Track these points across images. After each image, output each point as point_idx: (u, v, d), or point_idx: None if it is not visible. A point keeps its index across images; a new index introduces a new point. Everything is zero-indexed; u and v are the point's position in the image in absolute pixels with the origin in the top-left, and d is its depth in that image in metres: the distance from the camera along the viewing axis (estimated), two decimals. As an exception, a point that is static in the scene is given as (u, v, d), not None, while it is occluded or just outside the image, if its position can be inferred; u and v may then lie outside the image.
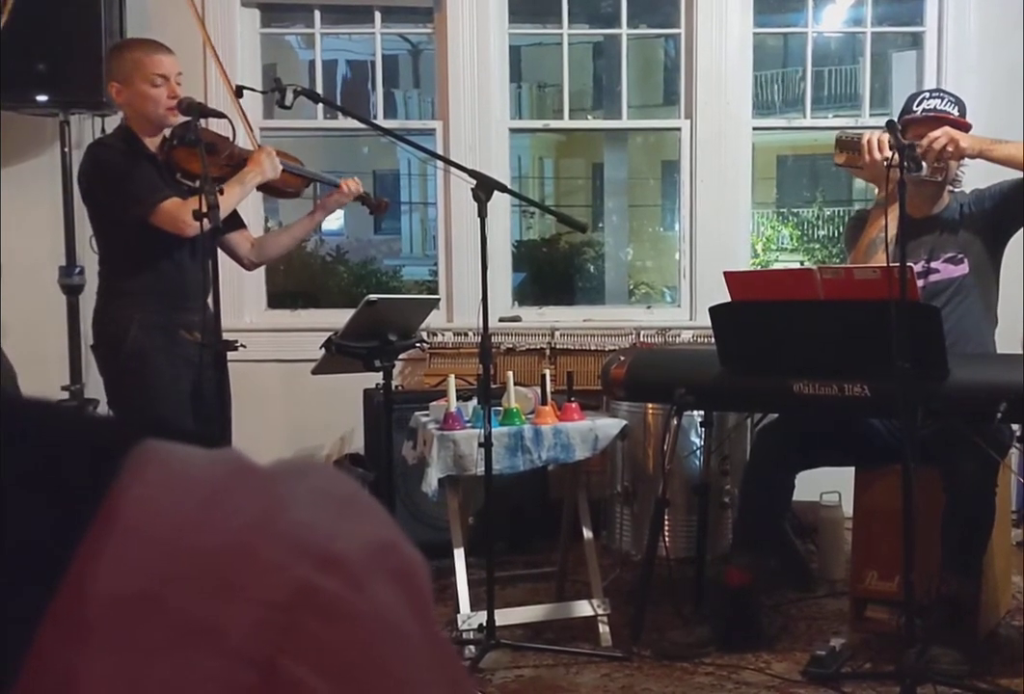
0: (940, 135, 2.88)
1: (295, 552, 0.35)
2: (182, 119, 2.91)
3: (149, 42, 3.05)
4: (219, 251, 2.91)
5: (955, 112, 3.05)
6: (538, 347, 4.11)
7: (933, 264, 3.09)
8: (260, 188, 3.22)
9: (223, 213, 2.87)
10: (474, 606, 2.95)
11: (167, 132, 2.99)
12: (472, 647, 2.86)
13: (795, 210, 13.02)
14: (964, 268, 3.07)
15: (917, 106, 3.05)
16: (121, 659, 0.32)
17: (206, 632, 0.33)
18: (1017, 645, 2.98)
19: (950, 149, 2.88)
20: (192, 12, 3.30)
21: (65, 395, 3.85)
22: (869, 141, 2.90)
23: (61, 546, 0.33)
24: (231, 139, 3.03)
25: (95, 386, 3.77)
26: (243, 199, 3.04)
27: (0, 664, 0.32)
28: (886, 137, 2.82)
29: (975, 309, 3.09)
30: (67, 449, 0.36)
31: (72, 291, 3.89)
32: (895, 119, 2.88)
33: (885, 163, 2.72)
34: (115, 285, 3.00)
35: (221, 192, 2.68)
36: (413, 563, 0.39)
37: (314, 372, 3.18)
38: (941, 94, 3.14)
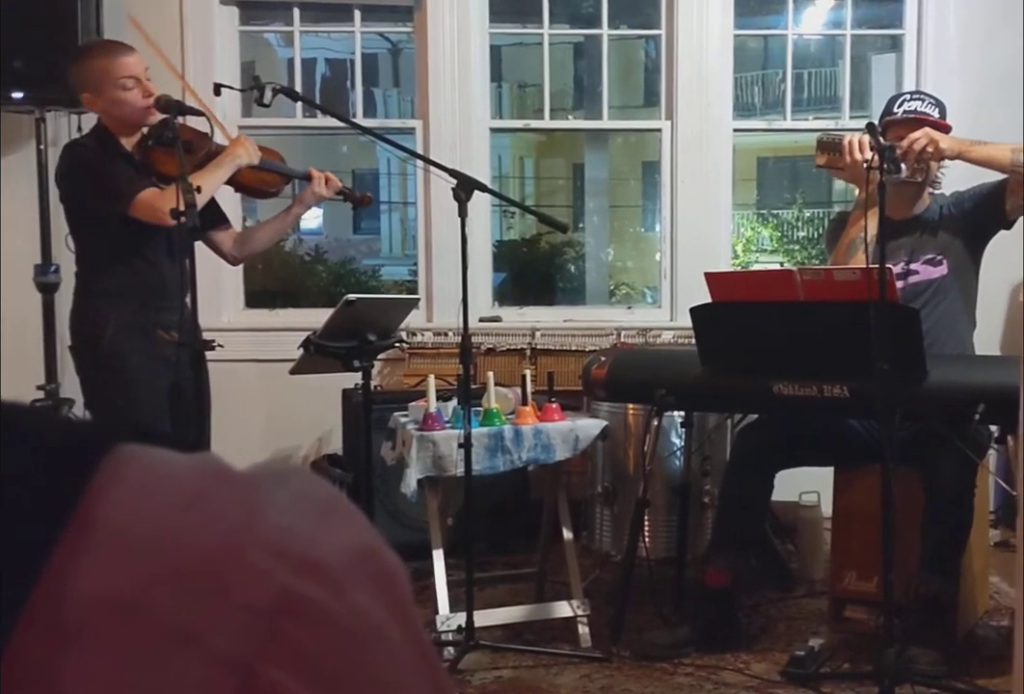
0: (920, 136, 2.90)
1: (276, 557, 0.35)
2: (160, 117, 2.88)
3: (109, 45, 3.00)
4: (197, 250, 2.88)
5: (935, 114, 3.07)
6: (518, 347, 4.10)
7: (913, 266, 3.10)
8: (241, 189, 3.19)
9: (204, 197, 2.84)
10: (453, 607, 2.94)
11: (143, 130, 2.96)
12: (451, 648, 2.85)
13: (775, 211, 13.08)
14: (943, 269, 3.09)
15: (898, 108, 3.07)
16: (101, 662, 0.32)
17: (187, 636, 0.33)
18: (995, 645, 3.00)
19: (930, 150, 2.89)
20: (134, 26, 3.25)
21: (40, 394, 3.82)
22: (850, 142, 2.92)
23: (36, 546, 0.33)
24: (210, 136, 3.00)
25: (71, 385, 3.74)
26: (221, 183, 2.98)
27: None
28: (867, 138, 2.83)
29: (954, 310, 3.11)
30: (42, 451, 0.35)
31: (47, 289, 3.86)
32: (875, 121, 2.89)
33: (865, 165, 2.73)
34: (92, 284, 2.97)
35: (199, 191, 2.66)
36: (393, 568, 0.39)
37: (292, 372, 3.17)
38: (922, 96, 3.16)
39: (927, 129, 2.94)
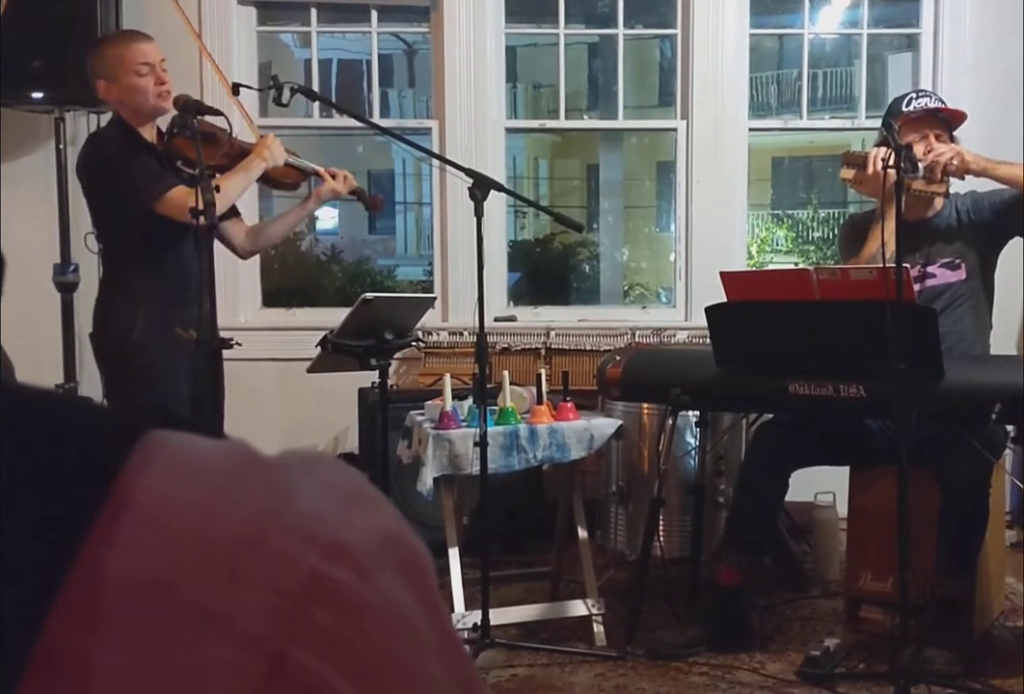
0: (946, 150, 2.89)
1: (304, 542, 0.35)
2: (173, 111, 2.90)
3: (126, 33, 3.05)
4: (215, 246, 2.90)
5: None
6: (533, 347, 4.11)
7: (929, 269, 3.09)
8: (262, 179, 3.21)
9: (229, 201, 2.86)
10: (469, 606, 2.95)
11: (163, 125, 2.98)
12: (467, 647, 2.85)
13: (790, 212, 13.03)
14: (961, 274, 3.08)
15: (907, 106, 3.06)
16: (134, 644, 0.32)
17: (217, 619, 0.33)
18: (1010, 646, 2.99)
19: (955, 163, 2.88)
20: (179, 13, 3.27)
21: (59, 393, 3.83)
22: (875, 156, 2.90)
23: (70, 531, 0.33)
24: (229, 131, 3.01)
25: (89, 384, 3.76)
26: (248, 187, 3.03)
27: (11, 647, 0.32)
28: (889, 152, 2.81)
29: (972, 313, 3.10)
30: (75, 436, 0.36)
31: (67, 289, 3.88)
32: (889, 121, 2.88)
33: (883, 164, 2.72)
34: (121, 276, 2.98)
35: (218, 190, 2.67)
36: (419, 554, 0.39)
37: (309, 371, 3.17)
38: (928, 93, 3.17)
39: (954, 145, 2.93)
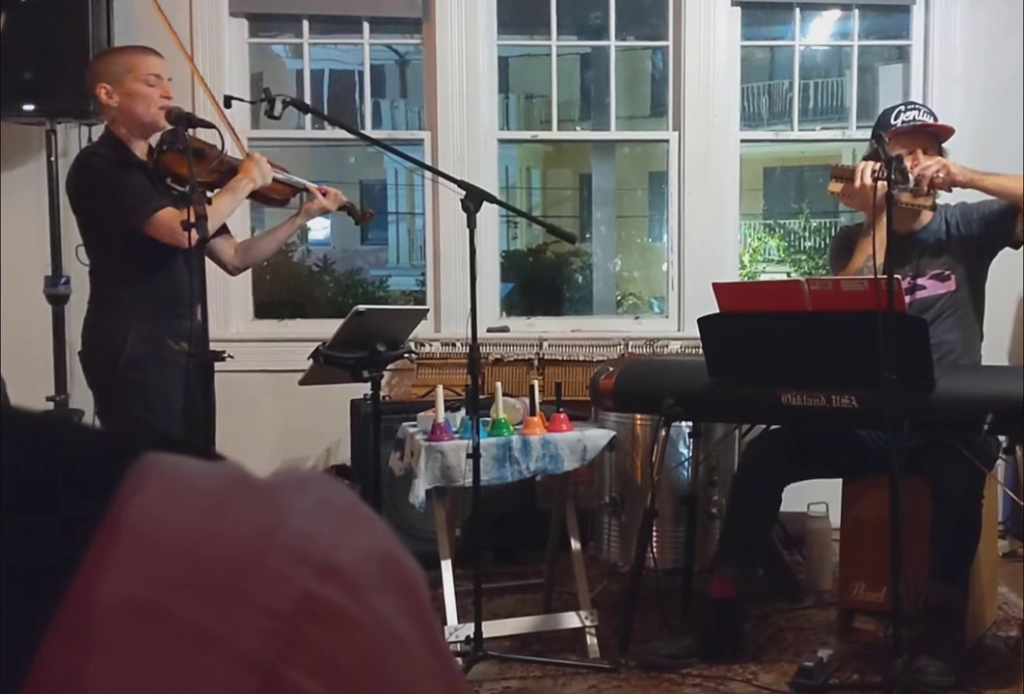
0: (932, 163, 2.90)
1: (297, 562, 0.35)
2: (168, 126, 2.90)
3: (140, 46, 3.05)
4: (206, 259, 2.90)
5: (931, 122, 3.09)
6: (526, 358, 4.10)
7: (920, 281, 3.10)
8: (251, 195, 3.21)
9: (217, 223, 2.86)
10: (461, 618, 2.94)
11: (153, 141, 2.98)
12: (459, 659, 2.84)
13: (782, 221, 13.07)
14: (951, 285, 3.09)
15: (895, 119, 3.07)
16: (127, 666, 0.33)
17: (210, 640, 0.33)
18: (1003, 656, 2.99)
19: (941, 175, 2.89)
20: (167, 29, 3.26)
21: (50, 406, 3.82)
22: (863, 169, 2.91)
23: (66, 554, 0.33)
24: (220, 148, 3.02)
25: (79, 396, 3.75)
26: (236, 208, 3.03)
27: (6, 672, 0.32)
28: (879, 166, 2.83)
29: (960, 325, 3.11)
30: (70, 460, 0.36)
31: (58, 301, 3.87)
32: (879, 133, 2.90)
33: (873, 176, 2.73)
34: (111, 293, 2.97)
35: (210, 202, 2.67)
36: (412, 573, 0.39)
37: (301, 383, 3.17)
38: (917, 106, 3.18)
39: (939, 158, 2.94)
